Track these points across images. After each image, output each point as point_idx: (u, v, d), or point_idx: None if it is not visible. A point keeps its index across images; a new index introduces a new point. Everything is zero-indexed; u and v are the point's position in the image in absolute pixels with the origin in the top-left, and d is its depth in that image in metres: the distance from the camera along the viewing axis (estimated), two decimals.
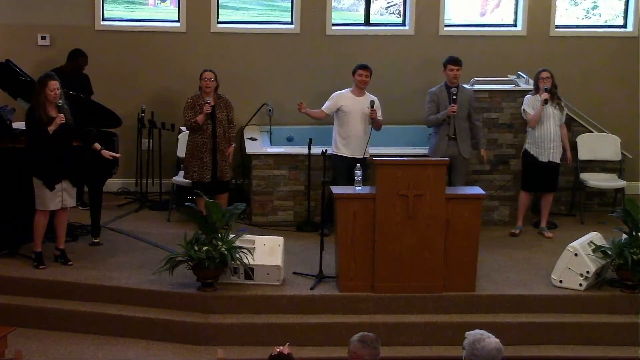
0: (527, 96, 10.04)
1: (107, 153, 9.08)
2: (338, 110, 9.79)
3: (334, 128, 9.89)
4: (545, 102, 9.78)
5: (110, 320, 8.25)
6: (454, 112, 9.71)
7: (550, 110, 9.87)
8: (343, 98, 9.82)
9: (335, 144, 9.84)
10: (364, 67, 9.80)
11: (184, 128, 10.64)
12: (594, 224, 10.21)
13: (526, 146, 10.04)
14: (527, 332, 8.28)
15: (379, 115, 9.80)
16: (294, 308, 8.34)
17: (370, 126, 9.73)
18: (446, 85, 9.87)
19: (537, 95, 9.92)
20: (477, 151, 10.04)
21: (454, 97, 9.72)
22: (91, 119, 9.52)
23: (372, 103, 9.67)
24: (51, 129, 8.47)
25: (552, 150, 9.92)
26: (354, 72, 9.82)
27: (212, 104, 9.56)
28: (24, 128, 9.33)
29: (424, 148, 10.19)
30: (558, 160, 9.98)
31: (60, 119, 8.48)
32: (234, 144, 9.87)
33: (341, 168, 9.72)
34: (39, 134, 8.51)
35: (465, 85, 10.14)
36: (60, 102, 8.52)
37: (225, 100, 9.76)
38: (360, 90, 9.81)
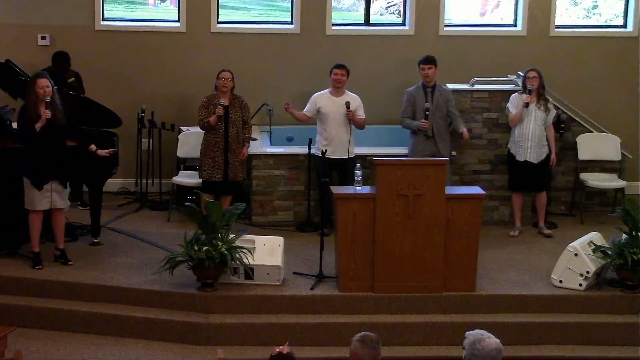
0: (513, 95, 10.03)
1: (102, 152, 9.04)
2: (318, 110, 9.81)
3: (317, 128, 9.90)
4: (526, 105, 9.77)
5: (110, 320, 8.25)
6: (424, 127, 9.71)
7: (533, 110, 9.85)
8: (321, 99, 9.84)
9: (317, 145, 9.83)
10: (339, 66, 9.82)
11: (184, 128, 10.65)
12: (594, 224, 10.20)
13: (509, 145, 10.05)
14: (527, 332, 8.28)
15: (361, 113, 9.82)
16: (294, 308, 8.34)
17: (352, 126, 9.75)
18: (423, 85, 9.88)
19: (524, 94, 9.92)
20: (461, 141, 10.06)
21: (427, 112, 9.70)
22: (91, 119, 9.52)
23: (347, 104, 9.68)
24: (38, 126, 8.45)
25: (529, 150, 9.90)
26: (330, 72, 9.83)
27: (225, 104, 9.55)
28: None
29: None
30: (535, 161, 9.90)
31: (46, 114, 8.45)
32: (247, 145, 9.82)
33: (324, 169, 9.69)
34: (27, 131, 8.50)
35: (448, 86, 10.12)
36: (48, 99, 8.49)
37: (241, 101, 9.75)
38: (337, 90, 9.82)
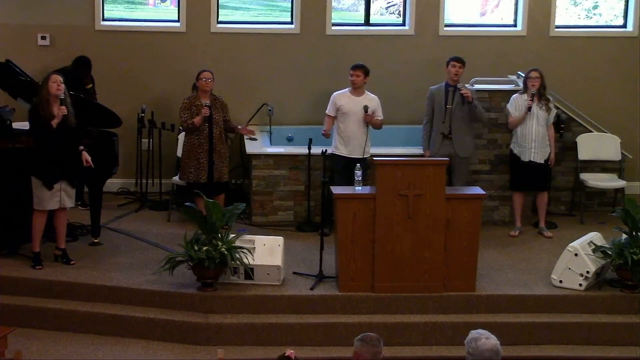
0: (514, 95, 10.04)
1: (85, 155, 8.84)
2: (337, 110, 9.80)
3: (334, 127, 9.90)
4: (529, 109, 9.78)
5: (110, 320, 8.25)
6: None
7: (535, 110, 9.86)
8: (341, 98, 9.83)
9: (334, 144, 9.85)
10: (355, 67, 9.81)
11: None
12: (594, 224, 10.21)
13: (511, 145, 10.06)
14: (527, 332, 8.28)
15: (379, 114, 9.82)
16: (294, 308, 8.34)
17: (369, 127, 9.76)
18: (446, 84, 9.88)
19: (525, 95, 9.93)
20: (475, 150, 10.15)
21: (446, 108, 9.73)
22: (91, 119, 9.52)
23: (365, 108, 9.68)
24: (55, 122, 8.48)
25: (533, 150, 9.91)
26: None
27: (209, 105, 9.54)
28: (24, 128, 9.35)
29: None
30: (540, 161, 9.92)
31: (62, 110, 8.49)
32: (239, 126, 9.80)
33: (340, 168, 9.73)
34: (42, 129, 8.52)
35: (467, 85, 10.13)
36: (63, 95, 8.52)
37: (221, 101, 9.75)
38: (356, 90, 9.82)
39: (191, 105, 9.62)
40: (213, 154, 9.61)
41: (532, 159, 9.90)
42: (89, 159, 8.85)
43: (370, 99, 9.83)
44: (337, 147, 9.82)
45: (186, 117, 9.59)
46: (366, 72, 9.80)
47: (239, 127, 9.83)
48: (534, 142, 9.88)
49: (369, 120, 9.71)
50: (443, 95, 9.84)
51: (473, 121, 9.98)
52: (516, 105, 9.94)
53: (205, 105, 9.49)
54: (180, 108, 9.68)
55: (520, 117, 9.85)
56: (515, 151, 9.99)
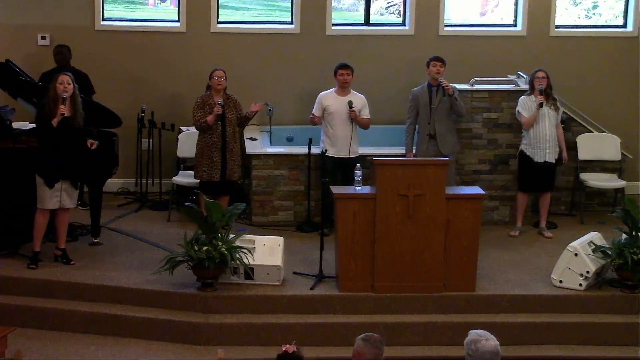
0: (522, 97, 10.02)
1: (90, 141, 8.93)
2: (324, 110, 9.82)
3: (322, 128, 9.91)
4: (540, 105, 9.78)
5: (110, 320, 8.25)
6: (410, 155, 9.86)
7: (546, 110, 9.86)
8: (327, 98, 9.86)
9: (322, 145, 9.85)
10: (344, 67, 9.84)
11: (184, 128, 10.65)
12: (594, 224, 10.20)
13: (522, 147, 10.04)
14: (527, 332, 8.28)
15: (366, 113, 9.85)
16: (294, 308, 8.34)
17: (356, 126, 9.76)
18: (429, 84, 9.88)
19: (532, 95, 9.92)
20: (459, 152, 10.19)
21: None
22: (91, 119, 9.51)
23: (350, 104, 9.70)
24: (55, 121, 8.49)
25: (547, 151, 9.91)
26: (335, 73, 9.85)
27: (222, 103, 9.54)
28: (24, 128, 9.37)
29: None
30: (553, 160, 9.96)
31: (62, 109, 8.49)
32: (249, 112, 9.72)
33: (329, 168, 9.72)
34: (44, 127, 8.54)
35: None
36: (65, 95, 8.52)
37: (235, 101, 9.74)
38: (343, 90, 9.83)
39: (204, 104, 9.62)
40: (226, 152, 9.61)
41: (547, 159, 9.90)
42: (94, 142, 8.90)
43: (358, 98, 9.84)
44: (326, 148, 9.83)
45: (199, 116, 9.59)
46: (353, 71, 9.84)
47: (249, 112, 9.76)
48: (547, 142, 9.88)
49: (353, 117, 9.72)
50: (427, 96, 9.85)
51: (456, 116, 9.97)
52: (527, 106, 9.92)
53: (218, 103, 9.50)
54: (193, 107, 9.68)
55: (532, 116, 9.84)
56: (528, 152, 9.94)
